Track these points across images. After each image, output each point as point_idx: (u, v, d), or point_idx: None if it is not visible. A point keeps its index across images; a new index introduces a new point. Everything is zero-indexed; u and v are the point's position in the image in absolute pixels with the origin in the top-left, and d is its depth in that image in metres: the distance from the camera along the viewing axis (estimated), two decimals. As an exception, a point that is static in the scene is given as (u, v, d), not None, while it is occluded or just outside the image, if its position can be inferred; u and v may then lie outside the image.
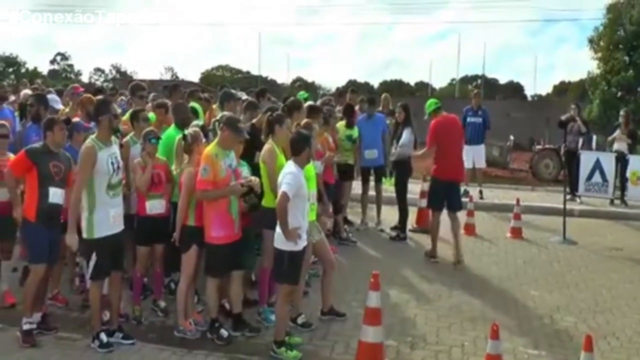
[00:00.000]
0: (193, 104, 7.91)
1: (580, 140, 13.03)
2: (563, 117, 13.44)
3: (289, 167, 5.34)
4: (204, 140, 5.96)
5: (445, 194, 8.24)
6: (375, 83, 70.01)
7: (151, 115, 7.13)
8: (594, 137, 14.64)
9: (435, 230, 8.40)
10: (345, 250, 8.68)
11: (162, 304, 6.22)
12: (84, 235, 5.32)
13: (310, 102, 8.20)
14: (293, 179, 5.16)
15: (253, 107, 7.29)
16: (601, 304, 7.02)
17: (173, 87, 8.98)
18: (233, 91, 8.94)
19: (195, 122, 6.43)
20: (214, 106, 8.59)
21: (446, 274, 7.87)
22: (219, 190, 5.41)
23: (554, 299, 7.08)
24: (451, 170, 8.28)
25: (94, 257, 5.31)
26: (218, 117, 6.68)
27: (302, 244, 5.30)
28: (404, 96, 45.36)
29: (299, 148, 5.38)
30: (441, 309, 6.65)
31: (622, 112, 14.05)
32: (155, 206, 5.96)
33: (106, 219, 5.30)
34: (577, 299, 7.12)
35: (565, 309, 6.78)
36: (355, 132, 9.32)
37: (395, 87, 63.09)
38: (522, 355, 5.57)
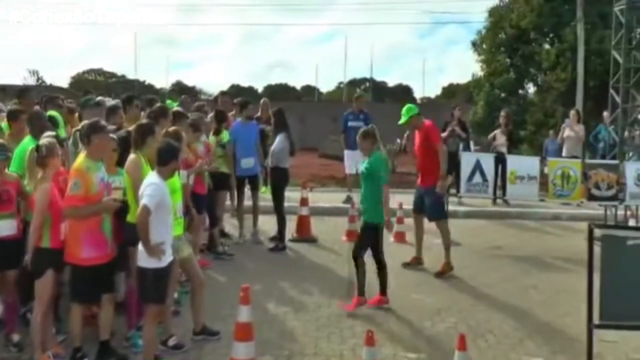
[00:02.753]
0: (52, 112, 7.65)
1: (461, 145, 13.74)
2: (448, 130, 14.04)
3: (151, 177, 5.31)
4: (60, 152, 5.78)
5: None
6: (260, 87, 70.35)
7: (4, 124, 6.85)
8: (471, 142, 15.50)
9: (450, 239, 8.72)
10: (221, 265, 8.69)
11: (16, 337, 5.91)
12: None
13: (176, 108, 8.13)
14: (155, 191, 5.13)
15: (114, 113, 7.15)
16: (482, 302, 7.49)
17: (20, 92, 8.59)
18: (101, 98, 8.74)
19: (48, 133, 6.21)
20: (75, 115, 8.34)
21: (326, 284, 8.05)
22: (92, 206, 5.28)
23: (435, 301, 7.45)
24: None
25: None
26: (79, 127, 6.52)
27: (166, 259, 5.27)
28: (289, 101, 45.92)
29: (165, 159, 5.36)
30: (321, 319, 6.80)
31: (502, 113, 15.01)
32: (4, 227, 5.70)
33: None
34: (458, 300, 7.55)
35: (446, 310, 7.16)
36: (224, 137, 9.34)
37: (280, 91, 63.63)
38: (402, 359, 5.82)
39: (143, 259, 5.18)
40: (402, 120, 8.54)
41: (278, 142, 9.54)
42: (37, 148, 5.60)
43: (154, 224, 5.12)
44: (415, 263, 8.77)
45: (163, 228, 5.23)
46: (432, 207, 8.64)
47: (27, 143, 6.25)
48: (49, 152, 5.55)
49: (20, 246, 5.67)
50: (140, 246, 5.18)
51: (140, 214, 5.06)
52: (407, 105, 8.75)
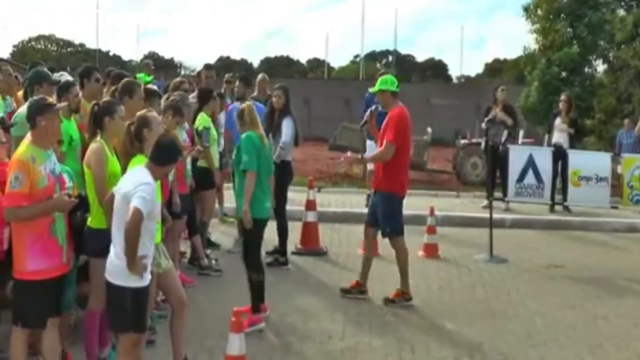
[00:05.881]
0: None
1: (505, 133, 13.73)
2: (490, 116, 14.02)
3: (143, 175, 5.30)
4: (4, 139, 5.82)
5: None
6: (255, 60, 70.69)
7: None
8: (521, 131, 15.49)
9: (406, 261, 8.42)
10: (206, 283, 8.75)
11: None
12: None
13: (148, 86, 8.16)
14: (150, 194, 5.14)
15: (68, 91, 7.13)
16: (535, 335, 7.47)
17: None
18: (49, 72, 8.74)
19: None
20: (19, 93, 8.38)
21: (338, 308, 8.09)
22: (39, 205, 5.26)
23: (476, 333, 7.46)
24: (407, 182, 8.61)
25: None
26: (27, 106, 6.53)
27: (148, 276, 5.33)
28: (292, 77, 46.05)
29: (164, 159, 5.42)
30: (332, 352, 6.84)
31: (562, 97, 15.01)
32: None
33: None
34: (505, 331, 7.55)
35: (490, 344, 7.16)
36: (202, 123, 9.34)
37: (281, 66, 63.95)
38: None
39: (120, 275, 5.19)
40: (373, 88, 8.41)
41: (287, 130, 9.53)
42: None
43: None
44: (356, 289, 8.47)
45: (147, 239, 5.26)
46: (387, 218, 8.32)
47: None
48: (-11, 141, 5.58)
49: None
50: (113, 259, 5.22)
51: (134, 219, 5.01)
52: (387, 76, 8.56)
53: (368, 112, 8.70)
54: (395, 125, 8.13)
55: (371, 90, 8.54)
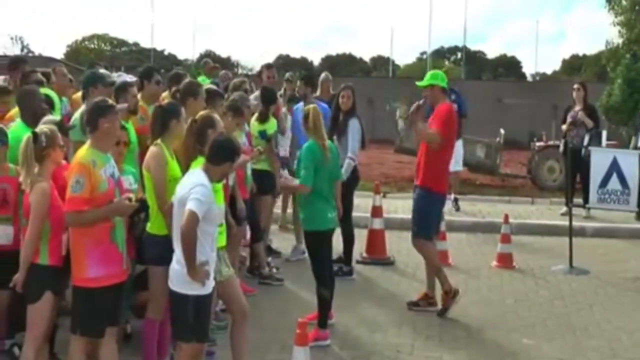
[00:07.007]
0: (46, 90, 7.88)
1: (587, 137, 13.52)
2: (570, 117, 13.79)
3: (198, 176, 5.41)
4: (61, 143, 5.98)
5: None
6: (316, 58, 71.01)
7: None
8: (604, 132, 15.20)
9: (437, 262, 8.46)
10: (267, 292, 8.81)
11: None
12: None
13: (209, 86, 8.28)
14: (205, 195, 5.23)
15: (125, 91, 7.27)
16: (620, 353, 7.35)
17: (12, 62, 8.85)
18: (104, 72, 8.93)
19: (49, 117, 6.42)
20: (76, 95, 8.59)
21: (406, 321, 8.09)
22: (100, 210, 5.37)
23: (555, 349, 7.38)
24: (447, 182, 8.68)
25: None
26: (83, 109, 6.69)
27: (210, 284, 5.43)
28: (355, 76, 46.11)
29: (221, 157, 5.51)
30: (402, 368, 6.85)
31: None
32: (-3, 235, 5.96)
33: None
34: (586, 348, 7.45)
35: (570, 362, 7.11)
36: (271, 127, 9.48)
37: (343, 64, 64.08)
38: None
39: (181, 282, 5.30)
40: (422, 82, 8.51)
41: (354, 132, 9.54)
42: (35, 137, 5.77)
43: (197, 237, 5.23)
44: (425, 301, 8.47)
45: (207, 244, 5.36)
46: (421, 216, 8.36)
47: (19, 130, 6.46)
48: (49, 142, 5.69)
49: (15, 260, 5.74)
50: (175, 265, 5.34)
51: (188, 223, 5.12)
52: (437, 71, 8.75)
53: (415, 105, 8.74)
54: (444, 118, 8.26)
55: (419, 84, 8.59)
